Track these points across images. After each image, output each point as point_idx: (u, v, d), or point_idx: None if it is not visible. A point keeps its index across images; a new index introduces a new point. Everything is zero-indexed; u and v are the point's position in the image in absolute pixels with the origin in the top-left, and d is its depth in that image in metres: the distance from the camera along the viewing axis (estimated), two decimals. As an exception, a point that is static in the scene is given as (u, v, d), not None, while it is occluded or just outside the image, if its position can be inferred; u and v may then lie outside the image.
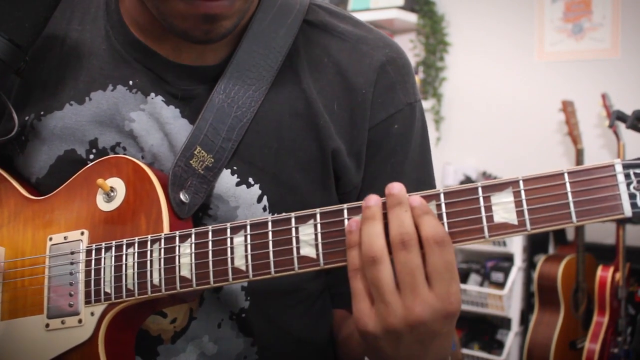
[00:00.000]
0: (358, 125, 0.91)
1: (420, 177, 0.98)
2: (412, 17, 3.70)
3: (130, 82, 0.89)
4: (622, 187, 0.62)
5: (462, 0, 3.74)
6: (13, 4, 0.79)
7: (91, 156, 0.89)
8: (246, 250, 0.75)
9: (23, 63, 0.82)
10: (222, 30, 0.81)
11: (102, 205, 0.85)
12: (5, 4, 0.79)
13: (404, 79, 0.94)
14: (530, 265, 3.33)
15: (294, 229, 0.74)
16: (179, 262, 0.78)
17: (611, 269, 2.89)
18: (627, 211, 0.61)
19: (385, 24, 3.74)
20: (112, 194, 0.85)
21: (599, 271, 2.92)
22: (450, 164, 3.69)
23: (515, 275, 3.29)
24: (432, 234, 0.66)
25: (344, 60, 0.91)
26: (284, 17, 0.90)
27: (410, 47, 3.83)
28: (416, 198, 0.69)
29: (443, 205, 0.68)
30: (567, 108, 3.10)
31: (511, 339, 3.31)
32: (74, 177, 0.88)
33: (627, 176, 0.62)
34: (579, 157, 3.07)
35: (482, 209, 0.67)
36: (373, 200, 0.69)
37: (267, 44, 0.88)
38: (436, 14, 3.74)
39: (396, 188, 0.69)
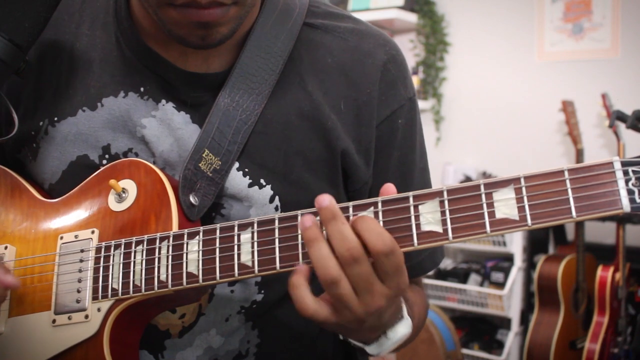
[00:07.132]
0: (365, 123, 0.93)
1: (424, 166, 1.02)
2: (412, 17, 3.71)
3: (142, 89, 0.90)
4: (621, 184, 0.64)
5: (462, 0, 3.74)
6: (13, 4, 0.80)
7: (104, 161, 0.90)
8: (253, 247, 0.76)
9: (23, 63, 0.83)
10: (219, 36, 0.82)
11: (114, 205, 0.87)
12: (5, 4, 0.80)
13: (403, 75, 0.97)
14: (530, 265, 3.34)
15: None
16: (187, 258, 0.79)
17: (611, 269, 2.90)
18: (626, 206, 0.63)
19: (385, 24, 3.75)
20: (123, 194, 0.86)
21: (599, 271, 2.93)
22: (450, 164, 3.69)
23: (515, 275, 3.29)
24: (380, 246, 0.68)
25: (348, 60, 0.94)
26: (285, 21, 0.92)
27: (410, 47, 3.84)
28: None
29: (446, 202, 0.70)
30: (567, 108, 3.11)
31: (511, 339, 3.32)
32: (87, 179, 0.90)
33: (625, 173, 0.64)
34: (579, 157, 3.07)
35: (485, 205, 0.68)
36: (308, 222, 0.70)
37: (268, 48, 0.90)
38: (436, 14, 3.75)
39: (326, 200, 0.69)
